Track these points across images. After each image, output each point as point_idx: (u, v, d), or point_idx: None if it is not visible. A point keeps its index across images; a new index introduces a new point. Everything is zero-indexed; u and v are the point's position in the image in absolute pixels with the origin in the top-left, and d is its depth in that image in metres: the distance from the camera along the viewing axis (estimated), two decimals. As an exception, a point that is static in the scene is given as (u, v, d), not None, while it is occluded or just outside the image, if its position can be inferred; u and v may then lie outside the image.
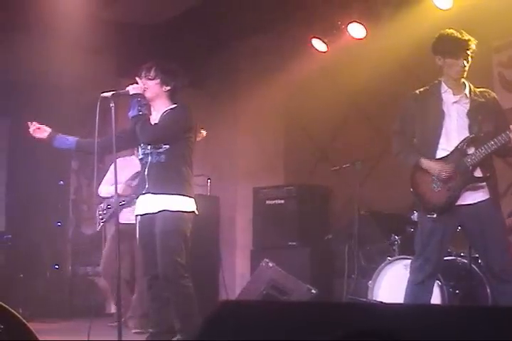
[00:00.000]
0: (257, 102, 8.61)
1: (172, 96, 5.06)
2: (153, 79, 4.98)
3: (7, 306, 2.64)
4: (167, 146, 4.89)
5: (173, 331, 4.91)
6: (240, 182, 8.82)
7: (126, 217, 6.35)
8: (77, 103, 8.42)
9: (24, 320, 2.67)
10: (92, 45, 7.93)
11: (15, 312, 2.68)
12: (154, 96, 5.01)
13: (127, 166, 6.67)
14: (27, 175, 9.13)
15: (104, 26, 7.78)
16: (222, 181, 8.75)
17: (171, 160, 4.88)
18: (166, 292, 4.87)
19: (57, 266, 8.94)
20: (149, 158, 4.92)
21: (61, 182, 9.50)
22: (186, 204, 4.88)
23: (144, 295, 6.15)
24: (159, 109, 5.04)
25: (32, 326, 2.68)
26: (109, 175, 6.85)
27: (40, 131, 5.09)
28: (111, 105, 4.78)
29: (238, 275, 8.53)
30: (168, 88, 5.02)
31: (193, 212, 4.93)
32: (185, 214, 4.86)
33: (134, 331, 6.46)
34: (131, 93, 4.93)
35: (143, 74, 5.00)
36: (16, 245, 8.62)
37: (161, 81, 5.00)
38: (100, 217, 6.87)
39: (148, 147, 4.94)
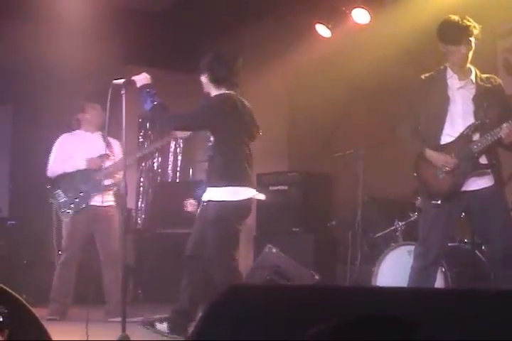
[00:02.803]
0: (260, 88, 8.58)
1: (218, 86, 5.08)
2: (203, 75, 5.09)
3: (11, 291, 2.65)
4: (213, 139, 4.98)
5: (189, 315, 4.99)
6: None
7: (98, 199, 6.39)
8: (82, 90, 8.40)
9: (28, 305, 2.68)
10: (97, 32, 7.91)
11: (20, 297, 2.68)
12: (207, 90, 5.11)
13: (83, 140, 6.62)
14: (30, 162, 9.13)
15: (109, 13, 7.75)
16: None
17: (217, 152, 4.98)
18: (197, 274, 4.99)
19: (60, 253, 8.96)
20: (209, 151, 5.05)
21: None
22: (230, 194, 4.92)
23: (118, 282, 6.12)
24: None
25: (36, 312, 2.68)
26: (60, 150, 6.64)
27: None
28: (122, 92, 4.79)
29: (241, 261, 8.53)
30: (212, 80, 5.08)
31: (242, 200, 4.96)
32: (230, 203, 4.91)
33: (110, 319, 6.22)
34: (138, 85, 4.95)
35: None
36: (20, 231, 8.63)
37: (208, 75, 5.07)
38: (72, 205, 6.43)
39: (210, 140, 5.02)
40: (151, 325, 5.06)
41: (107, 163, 6.42)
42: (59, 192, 6.56)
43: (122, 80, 4.84)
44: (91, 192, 6.42)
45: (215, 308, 1.84)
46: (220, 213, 4.90)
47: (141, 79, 4.97)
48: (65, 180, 6.54)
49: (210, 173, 5.03)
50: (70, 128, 6.80)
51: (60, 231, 6.67)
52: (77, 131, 6.75)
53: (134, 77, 4.96)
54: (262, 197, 5.15)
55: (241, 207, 4.97)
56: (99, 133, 6.66)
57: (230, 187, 4.94)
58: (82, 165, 6.47)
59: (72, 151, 6.60)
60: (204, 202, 5.05)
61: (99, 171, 6.42)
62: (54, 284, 6.57)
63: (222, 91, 5.05)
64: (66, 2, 7.41)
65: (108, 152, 6.40)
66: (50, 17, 7.62)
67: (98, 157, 6.42)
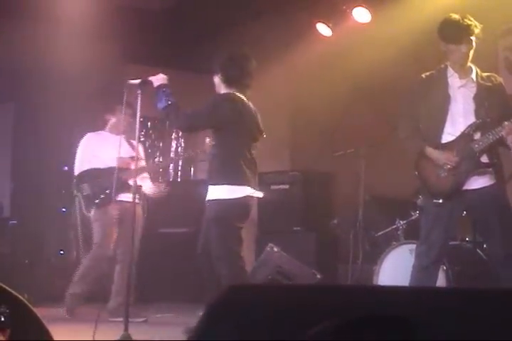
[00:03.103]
0: (261, 88, 8.56)
1: (229, 86, 5.10)
2: (216, 75, 5.11)
3: (12, 290, 2.65)
4: (214, 139, 5.04)
5: None
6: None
7: (126, 195, 6.33)
8: (83, 89, 8.40)
9: (30, 305, 2.67)
10: (99, 30, 7.90)
11: (20, 296, 2.68)
12: (218, 90, 5.13)
13: (108, 142, 6.49)
14: (31, 161, 9.13)
15: (109, 11, 7.74)
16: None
17: (217, 152, 5.02)
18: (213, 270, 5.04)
19: (62, 252, 8.96)
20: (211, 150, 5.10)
21: (65, 167, 9.48)
22: (227, 192, 4.94)
23: (124, 282, 5.99)
24: None
25: (37, 311, 2.68)
26: (85, 150, 6.60)
27: None
28: (138, 92, 4.80)
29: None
30: (224, 80, 5.10)
31: (239, 198, 4.96)
32: (227, 201, 4.92)
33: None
34: (155, 85, 4.96)
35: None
36: (21, 231, 8.63)
37: (221, 76, 5.09)
38: (97, 201, 6.45)
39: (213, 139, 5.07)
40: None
41: (133, 165, 6.42)
42: (85, 185, 6.54)
43: (138, 80, 4.86)
44: (116, 191, 6.38)
45: (215, 308, 1.84)
46: (217, 212, 4.92)
47: (159, 79, 5.01)
48: (92, 175, 6.53)
49: (210, 172, 5.06)
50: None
51: (83, 224, 6.63)
52: (102, 131, 6.72)
53: (150, 78, 4.99)
54: (259, 194, 5.15)
55: (238, 205, 4.97)
56: (123, 136, 6.57)
57: (227, 186, 4.95)
58: (111, 163, 6.43)
59: (97, 151, 6.58)
60: (207, 201, 5.08)
61: (126, 171, 6.40)
62: (78, 280, 6.47)
63: (232, 91, 5.06)
64: (66, 0, 7.40)
65: (135, 154, 6.40)
66: (50, 15, 7.60)
67: (129, 157, 6.42)
